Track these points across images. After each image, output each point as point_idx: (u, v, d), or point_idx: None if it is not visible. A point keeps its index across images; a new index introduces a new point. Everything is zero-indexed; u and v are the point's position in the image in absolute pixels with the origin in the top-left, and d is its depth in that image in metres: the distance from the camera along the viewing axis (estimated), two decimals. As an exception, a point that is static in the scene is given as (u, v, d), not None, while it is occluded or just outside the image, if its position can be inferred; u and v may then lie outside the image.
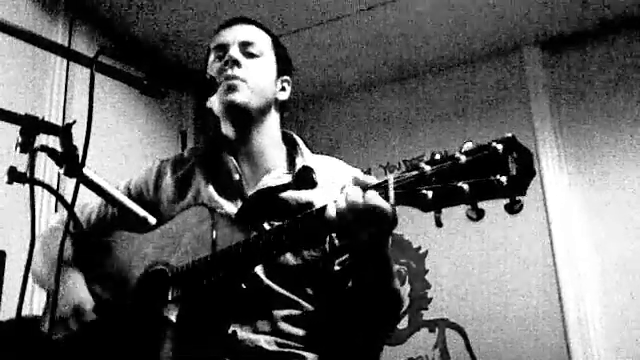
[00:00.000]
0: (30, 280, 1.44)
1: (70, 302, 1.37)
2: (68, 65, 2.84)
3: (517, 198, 0.91)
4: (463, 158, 0.95)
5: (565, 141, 3.43)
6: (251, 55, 1.53)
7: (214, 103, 1.54)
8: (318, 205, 1.37)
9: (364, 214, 1.06)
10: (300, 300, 1.37)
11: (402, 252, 3.55)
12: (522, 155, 0.92)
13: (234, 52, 1.51)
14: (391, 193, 1.04)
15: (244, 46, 1.53)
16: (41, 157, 1.05)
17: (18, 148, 1.05)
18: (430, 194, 0.98)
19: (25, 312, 2.14)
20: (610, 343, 3.08)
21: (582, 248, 3.25)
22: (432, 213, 1.00)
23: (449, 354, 3.35)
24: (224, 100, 1.48)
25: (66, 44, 2.85)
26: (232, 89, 1.47)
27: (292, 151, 1.55)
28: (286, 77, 1.61)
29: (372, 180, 1.10)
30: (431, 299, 3.49)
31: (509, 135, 0.93)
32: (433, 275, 3.53)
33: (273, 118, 1.57)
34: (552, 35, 3.51)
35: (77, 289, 1.41)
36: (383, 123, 3.93)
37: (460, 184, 0.94)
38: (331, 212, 1.10)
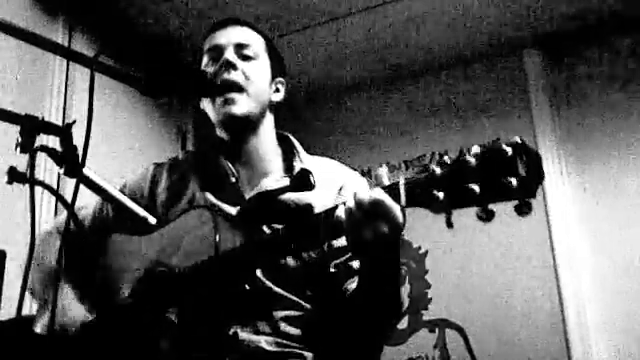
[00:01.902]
0: (30, 280, 1.44)
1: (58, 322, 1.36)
2: (68, 65, 2.83)
3: (527, 200, 0.92)
4: (473, 160, 0.97)
5: (565, 142, 3.43)
6: (246, 58, 1.51)
7: (209, 108, 1.52)
8: (317, 206, 1.37)
9: (371, 208, 1.06)
10: (300, 301, 1.37)
11: (402, 252, 3.54)
12: (531, 158, 0.93)
13: (229, 55, 1.48)
14: (402, 195, 1.05)
15: (239, 48, 1.51)
16: (41, 157, 1.05)
17: (18, 148, 1.05)
18: (441, 196, 0.99)
19: (25, 312, 2.13)
20: (610, 343, 3.08)
21: (582, 248, 3.25)
22: (436, 214, 1.01)
23: (449, 354, 3.35)
24: (222, 112, 1.46)
25: (66, 44, 2.85)
26: (231, 102, 1.45)
27: (289, 153, 1.54)
28: (280, 78, 1.60)
29: (384, 181, 1.11)
30: (431, 299, 3.49)
31: (518, 140, 0.94)
32: (433, 275, 3.52)
33: (268, 120, 1.55)
34: (552, 36, 3.51)
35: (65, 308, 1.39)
36: (383, 123, 3.92)
37: (471, 186, 0.95)
38: (340, 212, 1.11)
